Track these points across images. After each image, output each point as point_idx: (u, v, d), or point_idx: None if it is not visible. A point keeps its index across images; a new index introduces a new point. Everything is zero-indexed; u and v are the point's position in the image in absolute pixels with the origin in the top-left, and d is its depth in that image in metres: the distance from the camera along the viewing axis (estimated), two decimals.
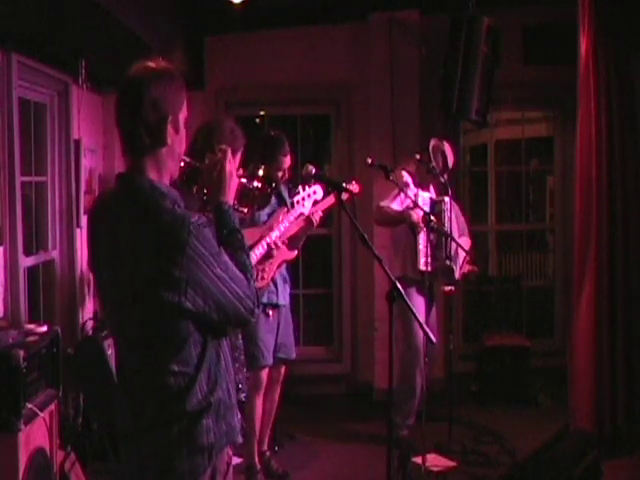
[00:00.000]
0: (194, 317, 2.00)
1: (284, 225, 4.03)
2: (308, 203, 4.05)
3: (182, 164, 2.20)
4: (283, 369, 4.55)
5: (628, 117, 4.69)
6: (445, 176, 4.92)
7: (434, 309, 5.12)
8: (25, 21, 3.74)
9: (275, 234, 3.99)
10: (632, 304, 4.64)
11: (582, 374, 4.60)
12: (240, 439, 2.20)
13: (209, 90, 6.20)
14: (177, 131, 2.08)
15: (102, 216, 2.13)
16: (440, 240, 4.90)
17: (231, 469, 2.24)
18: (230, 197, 2.23)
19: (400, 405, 4.89)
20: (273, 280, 4.19)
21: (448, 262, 4.91)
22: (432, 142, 4.99)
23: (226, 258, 2.04)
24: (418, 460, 4.35)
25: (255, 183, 2.46)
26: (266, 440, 4.59)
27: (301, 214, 4.07)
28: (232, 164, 2.25)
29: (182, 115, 2.09)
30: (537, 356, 6.06)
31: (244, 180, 2.46)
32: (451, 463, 4.66)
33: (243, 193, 2.43)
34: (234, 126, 3.34)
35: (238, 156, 3.31)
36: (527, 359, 5.98)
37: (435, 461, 4.58)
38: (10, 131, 4.11)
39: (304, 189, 4.04)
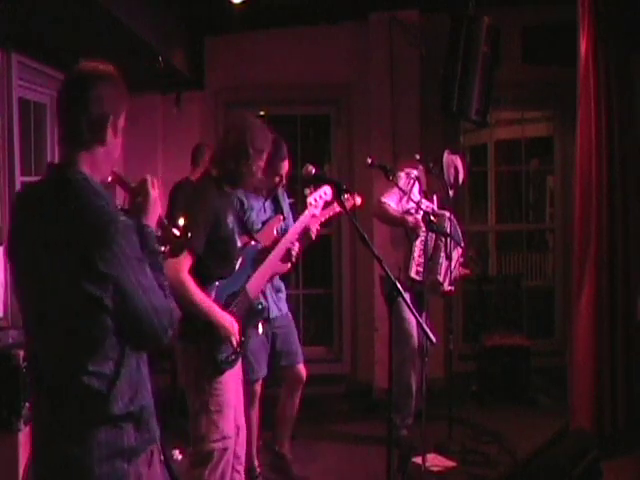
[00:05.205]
0: (112, 317, 1.96)
1: (296, 229, 3.77)
2: (320, 203, 3.83)
3: (110, 178, 2.18)
4: (299, 373, 4.34)
5: (628, 117, 4.69)
6: (452, 191, 4.87)
7: (424, 315, 5.06)
8: (25, 21, 3.74)
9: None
10: (632, 304, 4.64)
11: (582, 374, 4.60)
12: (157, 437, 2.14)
13: (209, 90, 6.20)
14: (115, 135, 2.10)
15: (27, 205, 2.09)
16: (436, 253, 4.88)
17: (155, 462, 2.14)
18: (152, 222, 2.21)
19: (397, 404, 4.87)
20: (262, 293, 3.87)
21: (438, 276, 4.89)
22: (445, 154, 4.91)
23: (148, 269, 2.03)
24: (418, 460, 4.34)
25: (174, 230, 2.41)
26: (286, 444, 4.48)
27: (314, 216, 3.85)
28: (156, 191, 2.23)
29: (121, 122, 2.11)
30: (537, 356, 6.05)
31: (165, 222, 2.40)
32: (451, 463, 4.65)
33: (165, 235, 2.37)
34: (262, 124, 3.28)
35: (265, 155, 3.25)
36: (527, 359, 5.98)
37: (435, 461, 4.58)
38: (10, 131, 4.11)
39: (315, 189, 3.83)
